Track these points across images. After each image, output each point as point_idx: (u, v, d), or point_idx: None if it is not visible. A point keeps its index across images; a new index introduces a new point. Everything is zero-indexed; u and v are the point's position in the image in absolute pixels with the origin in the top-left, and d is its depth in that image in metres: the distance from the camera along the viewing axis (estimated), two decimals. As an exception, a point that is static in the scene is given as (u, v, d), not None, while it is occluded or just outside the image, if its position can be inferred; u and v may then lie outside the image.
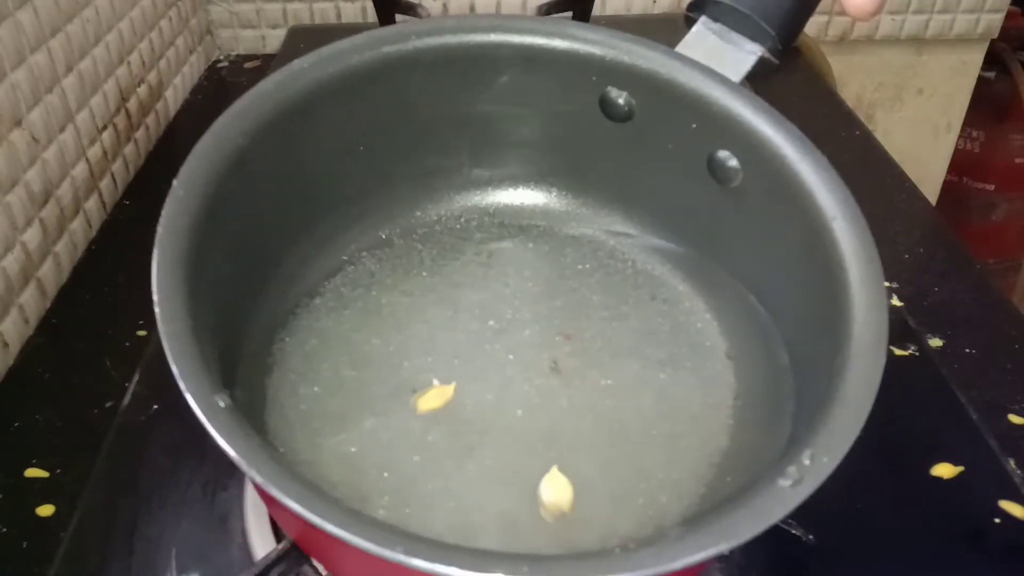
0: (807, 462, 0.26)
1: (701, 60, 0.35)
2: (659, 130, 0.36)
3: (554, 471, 0.33)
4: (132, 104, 0.75)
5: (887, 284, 0.57)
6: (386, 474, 0.34)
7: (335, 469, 0.34)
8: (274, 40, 0.97)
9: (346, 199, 0.41)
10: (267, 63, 0.93)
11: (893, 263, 0.61)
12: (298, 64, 0.35)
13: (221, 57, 0.98)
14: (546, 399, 0.36)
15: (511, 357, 0.38)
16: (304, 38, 0.94)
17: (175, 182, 0.32)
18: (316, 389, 0.37)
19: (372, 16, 0.84)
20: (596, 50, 0.36)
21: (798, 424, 0.29)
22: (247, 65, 0.96)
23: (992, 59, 1.12)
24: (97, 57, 0.68)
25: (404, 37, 0.37)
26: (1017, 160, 1.26)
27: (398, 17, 0.81)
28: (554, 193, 0.43)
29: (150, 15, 0.79)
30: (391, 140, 0.40)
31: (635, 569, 0.23)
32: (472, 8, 0.98)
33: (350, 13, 0.98)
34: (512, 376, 0.37)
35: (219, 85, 0.93)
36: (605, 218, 0.42)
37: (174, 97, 0.85)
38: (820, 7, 1.07)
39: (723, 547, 0.24)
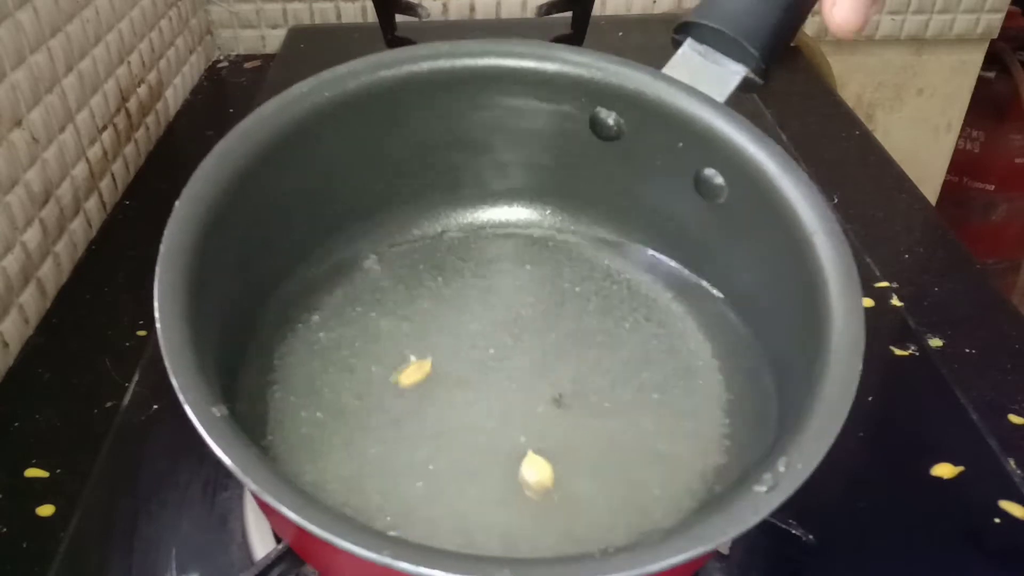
0: (782, 469, 0.26)
1: (687, 80, 0.36)
2: (647, 149, 0.38)
3: (530, 454, 0.35)
4: (132, 104, 0.75)
5: (887, 284, 0.58)
6: (390, 498, 0.34)
7: (338, 492, 0.34)
8: (274, 40, 0.97)
9: (345, 217, 0.41)
10: (267, 63, 0.93)
11: (893, 263, 0.61)
12: (297, 89, 0.36)
13: (221, 57, 0.98)
14: (547, 425, 0.37)
15: (513, 386, 0.38)
16: (304, 38, 0.94)
17: (177, 203, 0.32)
18: (319, 415, 0.37)
19: (372, 16, 0.84)
20: (584, 72, 0.38)
21: (779, 433, 0.30)
22: (247, 65, 0.96)
23: (992, 59, 1.12)
24: (97, 57, 0.68)
25: (400, 62, 0.38)
26: (1017, 160, 1.26)
27: (398, 17, 0.81)
28: (548, 211, 0.44)
29: (150, 15, 0.79)
30: (388, 161, 0.41)
31: (613, 571, 0.24)
32: (472, 8, 0.98)
33: (350, 13, 0.98)
34: (514, 404, 0.38)
35: (219, 85, 0.93)
36: (598, 235, 0.43)
37: (174, 97, 0.85)
38: (820, 7, 1.06)
39: (699, 551, 0.24)
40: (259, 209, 0.36)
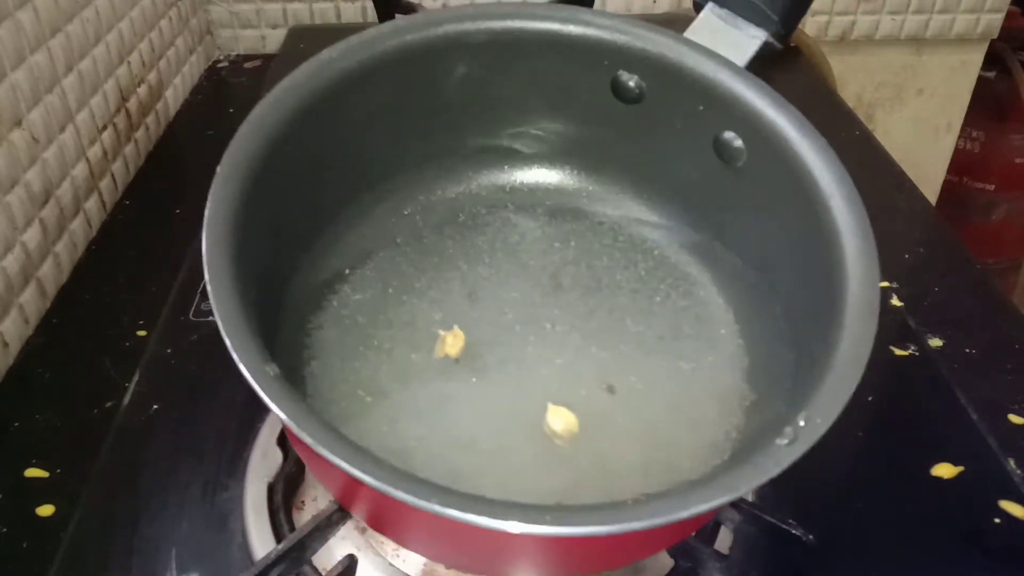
0: (802, 423, 0.27)
1: (707, 44, 0.37)
2: (668, 112, 0.38)
3: (551, 406, 0.36)
4: (132, 104, 0.75)
5: (887, 284, 0.58)
6: (434, 471, 0.34)
7: None
8: (274, 40, 0.97)
9: (373, 179, 0.42)
10: (267, 63, 0.93)
11: (893, 263, 0.61)
12: (327, 54, 0.37)
13: (221, 57, 0.98)
14: (588, 402, 0.37)
15: (556, 374, 0.38)
16: (304, 38, 0.94)
17: (219, 168, 0.33)
18: (360, 392, 0.37)
19: (372, 16, 0.84)
20: (607, 35, 0.38)
21: (797, 391, 0.31)
22: (247, 65, 0.96)
23: (992, 59, 1.12)
24: (97, 57, 0.68)
25: (426, 26, 0.38)
26: (1017, 160, 1.26)
27: (398, 17, 0.81)
28: (568, 171, 0.44)
29: (150, 15, 0.79)
30: (414, 123, 0.41)
31: (647, 518, 0.25)
32: (472, 8, 0.98)
33: (350, 13, 0.98)
34: (558, 389, 0.38)
35: (219, 85, 0.93)
36: (617, 196, 0.43)
37: (174, 97, 0.85)
38: (819, 7, 1.07)
39: (726, 499, 0.26)
40: (292, 172, 0.36)
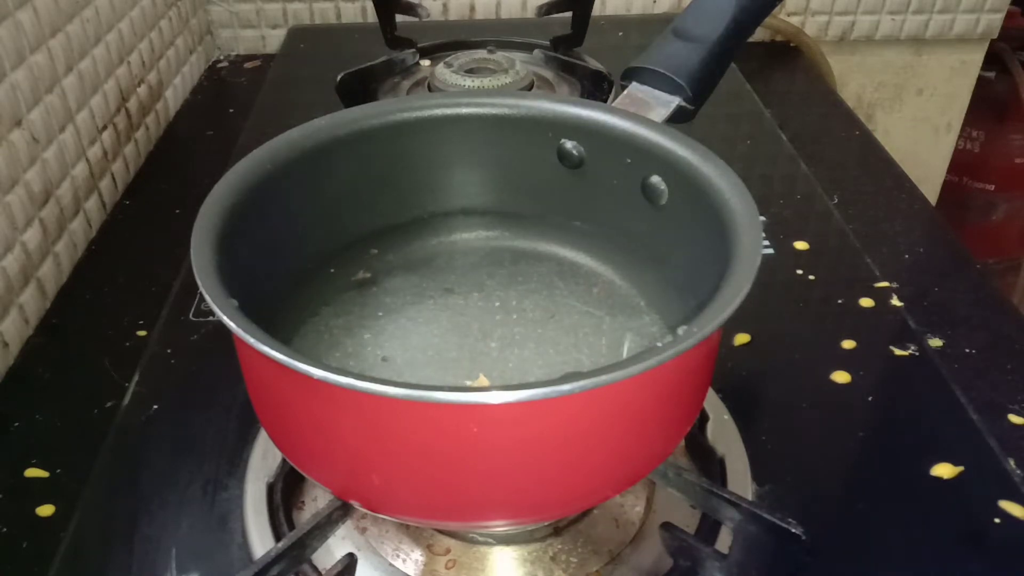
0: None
1: (631, 110, 0.44)
2: (603, 168, 0.44)
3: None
4: (132, 104, 0.75)
5: (887, 284, 0.58)
6: None
7: None
8: (274, 40, 0.97)
9: (352, 227, 0.46)
10: (267, 63, 0.93)
11: (893, 263, 0.61)
12: (317, 122, 0.43)
13: (221, 57, 0.98)
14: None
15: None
16: (304, 38, 0.94)
17: (217, 185, 0.37)
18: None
19: (372, 16, 0.84)
20: (548, 112, 0.45)
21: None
22: (247, 65, 0.96)
23: (992, 59, 1.12)
24: (97, 57, 0.68)
25: (397, 110, 0.45)
26: (1017, 160, 1.27)
27: (398, 17, 0.81)
28: (528, 227, 0.49)
29: (150, 15, 0.79)
30: (390, 186, 0.47)
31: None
32: (472, 8, 0.98)
33: (350, 13, 0.98)
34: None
35: (219, 85, 0.93)
36: (570, 242, 0.49)
37: (174, 97, 0.85)
38: (819, 7, 1.07)
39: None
40: (272, 217, 0.40)
